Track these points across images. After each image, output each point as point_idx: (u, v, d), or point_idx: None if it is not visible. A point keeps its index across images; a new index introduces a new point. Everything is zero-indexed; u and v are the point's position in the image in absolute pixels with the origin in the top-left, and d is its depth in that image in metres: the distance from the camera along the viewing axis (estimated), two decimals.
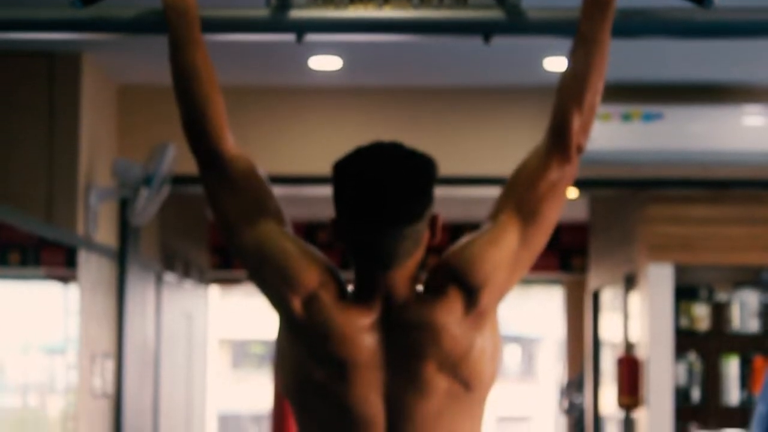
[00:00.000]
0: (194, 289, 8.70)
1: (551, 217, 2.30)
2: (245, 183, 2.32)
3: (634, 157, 6.24)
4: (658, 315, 6.81)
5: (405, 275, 2.23)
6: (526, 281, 10.94)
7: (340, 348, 2.20)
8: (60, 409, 5.66)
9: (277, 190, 2.38)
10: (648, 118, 6.18)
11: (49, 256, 5.65)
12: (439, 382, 2.21)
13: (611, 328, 8.05)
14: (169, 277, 7.68)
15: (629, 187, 6.78)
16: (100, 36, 2.59)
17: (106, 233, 6.15)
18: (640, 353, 6.98)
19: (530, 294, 18.53)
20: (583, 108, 2.30)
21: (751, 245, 6.84)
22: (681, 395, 6.99)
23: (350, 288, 2.27)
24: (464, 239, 2.27)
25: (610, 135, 6.15)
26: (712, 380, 7.09)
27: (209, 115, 2.32)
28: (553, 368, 18.08)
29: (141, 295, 6.82)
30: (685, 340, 7.04)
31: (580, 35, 2.33)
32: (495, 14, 2.48)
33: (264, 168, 2.40)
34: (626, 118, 6.18)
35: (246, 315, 21.09)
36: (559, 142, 2.30)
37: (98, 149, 6.04)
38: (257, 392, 19.26)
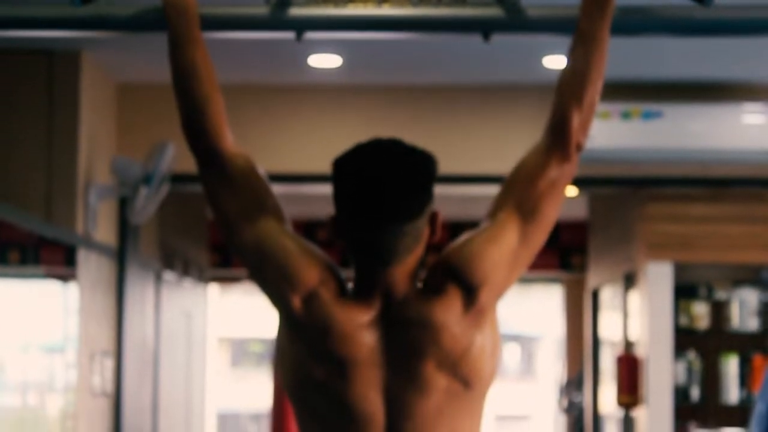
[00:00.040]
0: (193, 287, 8.70)
1: (550, 214, 2.30)
2: (244, 181, 2.32)
3: (634, 156, 6.24)
4: (658, 313, 6.81)
5: (405, 272, 2.22)
6: (526, 280, 10.94)
7: (339, 345, 2.20)
8: (59, 407, 5.66)
9: (277, 189, 2.38)
10: (647, 116, 6.18)
11: (48, 254, 5.65)
12: (439, 381, 2.21)
13: (610, 327, 8.05)
14: (169, 275, 7.68)
15: (629, 185, 6.78)
16: (99, 34, 2.59)
17: (105, 232, 6.15)
18: (640, 352, 6.98)
19: (530, 293, 18.54)
20: (582, 106, 2.30)
21: (750, 244, 6.84)
22: (680, 394, 6.99)
23: (350, 286, 2.27)
24: (463, 237, 2.27)
25: (609, 133, 6.15)
26: (711, 379, 7.09)
27: (208, 113, 2.32)
28: (552, 367, 18.09)
29: (140, 293, 6.82)
30: (684, 339, 7.04)
31: (580, 33, 2.33)
32: (494, 12, 2.48)
33: (263, 166, 2.40)
34: (626, 116, 6.18)
35: (245, 313, 21.10)
36: (559, 139, 2.30)
37: (97, 147, 6.04)
38: (256, 391, 19.27)
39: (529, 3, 2.49)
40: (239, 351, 23.36)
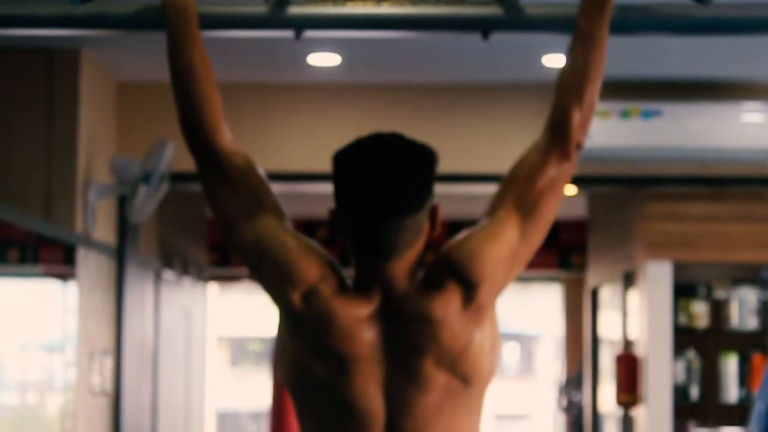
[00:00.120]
0: (193, 286, 8.71)
1: (550, 212, 2.30)
2: (243, 179, 2.32)
3: (633, 154, 6.24)
4: (657, 312, 6.81)
5: (404, 266, 2.23)
6: (525, 279, 10.94)
7: (340, 342, 2.20)
8: (59, 406, 5.66)
9: (276, 187, 2.38)
10: (647, 115, 6.18)
11: (47, 253, 5.65)
12: (438, 378, 2.21)
13: (610, 326, 8.05)
14: (168, 274, 7.68)
15: (628, 184, 6.78)
16: (98, 33, 2.59)
17: (104, 230, 6.15)
18: (639, 351, 6.98)
19: (529, 291, 18.55)
20: (582, 105, 2.30)
21: (749, 243, 6.84)
22: (680, 393, 6.99)
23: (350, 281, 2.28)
24: (462, 234, 2.28)
25: (608, 132, 6.15)
26: (710, 378, 7.09)
27: (206, 112, 2.33)
28: (551, 366, 18.09)
29: (139, 292, 6.82)
30: (683, 338, 7.04)
31: (579, 32, 2.33)
32: (493, 11, 2.48)
33: (262, 165, 2.41)
34: (625, 115, 6.18)
35: (244, 312, 21.12)
36: (559, 138, 2.30)
37: (97, 146, 6.04)
38: (256, 389, 19.28)
39: (528, 2, 2.49)
40: (239, 350, 23.38)
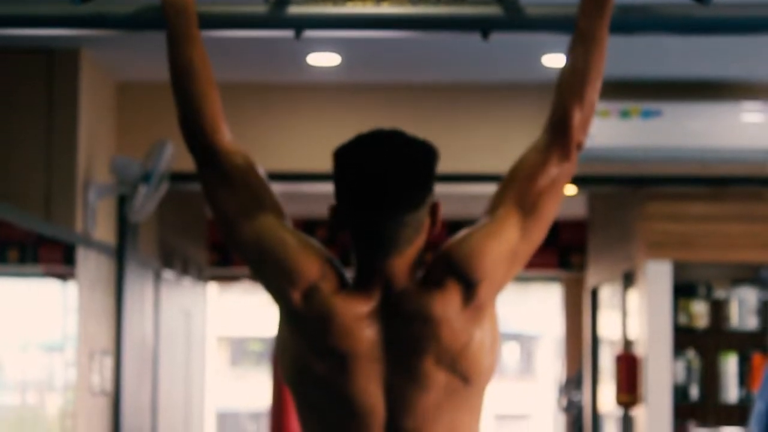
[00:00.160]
0: (193, 286, 8.71)
1: (550, 211, 2.30)
2: (243, 179, 2.32)
3: (633, 154, 6.24)
4: (657, 312, 6.81)
5: (405, 263, 2.23)
6: (525, 279, 10.94)
7: (340, 339, 2.21)
8: (58, 406, 5.66)
9: (276, 187, 2.38)
10: (646, 114, 6.18)
11: (47, 253, 5.65)
12: (438, 376, 2.21)
13: (610, 326, 8.05)
14: (168, 274, 7.68)
15: (628, 184, 6.78)
16: (98, 32, 2.59)
17: (104, 230, 6.15)
18: (639, 351, 6.98)
19: (529, 291, 18.55)
20: (583, 104, 2.31)
21: (749, 243, 6.84)
22: (679, 393, 6.99)
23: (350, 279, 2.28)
24: (463, 232, 2.28)
25: (608, 132, 6.15)
26: (710, 378, 7.09)
27: (205, 111, 2.33)
28: (551, 366, 18.09)
29: (139, 292, 6.82)
30: (683, 338, 7.04)
31: (579, 32, 2.33)
32: (493, 11, 2.48)
33: (262, 165, 2.41)
34: (625, 114, 6.18)
35: (244, 312, 21.12)
36: (559, 137, 2.30)
37: (97, 146, 6.04)
38: (256, 389, 19.28)
39: (528, 1, 2.49)
40: (238, 350, 23.38)
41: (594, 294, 8.53)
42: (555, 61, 5.86)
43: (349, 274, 2.27)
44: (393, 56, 5.99)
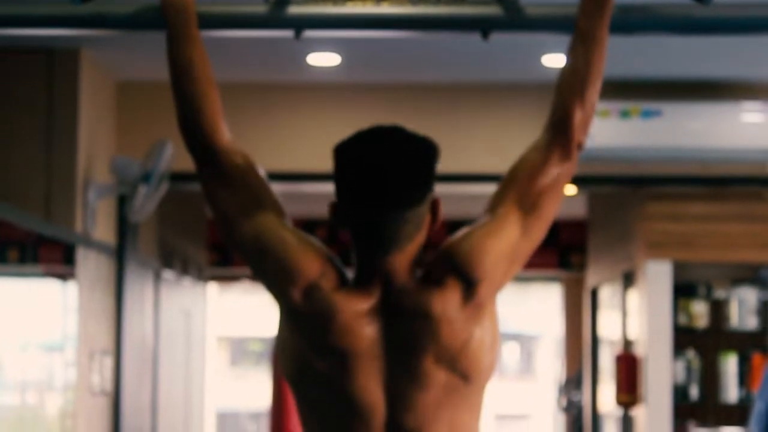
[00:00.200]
0: (192, 286, 8.71)
1: (550, 211, 2.31)
2: (243, 179, 2.32)
3: (633, 154, 6.24)
4: (657, 312, 6.82)
5: (405, 260, 2.23)
6: (525, 278, 10.94)
7: (340, 337, 2.21)
8: (58, 406, 5.65)
9: (276, 187, 2.38)
10: (646, 114, 6.18)
11: (47, 253, 5.65)
12: (438, 375, 2.21)
13: (610, 326, 8.05)
14: (168, 274, 7.68)
15: (628, 184, 6.78)
16: (98, 32, 2.59)
17: (104, 230, 6.15)
18: (639, 351, 6.98)
19: (529, 291, 18.55)
20: (584, 104, 2.31)
21: (749, 243, 6.84)
22: (679, 393, 6.99)
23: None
24: (463, 230, 2.27)
25: (608, 132, 6.15)
26: (710, 378, 7.09)
27: (204, 111, 2.33)
28: (551, 366, 18.09)
29: (139, 292, 6.82)
30: (683, 338, 7.04)
31: (579, 32, 2.33)
32: (493, 11, 2.48)
33: (262, 165, 2.41)
34: (625, 114, 6.18)
35: (244, 312, 21.12)
36: (560, 137, 2.31)
37: (97, 146, 6.04)
38: (255, 389, 19.28)
39: (528, 1, 2.49)
40: (238, 350, 23.38)
41: (594, 294, 8.53)
42: (555, 61, 5.86)
43: (350, 273, 2.27)
44: (393, 56, 5.99)
